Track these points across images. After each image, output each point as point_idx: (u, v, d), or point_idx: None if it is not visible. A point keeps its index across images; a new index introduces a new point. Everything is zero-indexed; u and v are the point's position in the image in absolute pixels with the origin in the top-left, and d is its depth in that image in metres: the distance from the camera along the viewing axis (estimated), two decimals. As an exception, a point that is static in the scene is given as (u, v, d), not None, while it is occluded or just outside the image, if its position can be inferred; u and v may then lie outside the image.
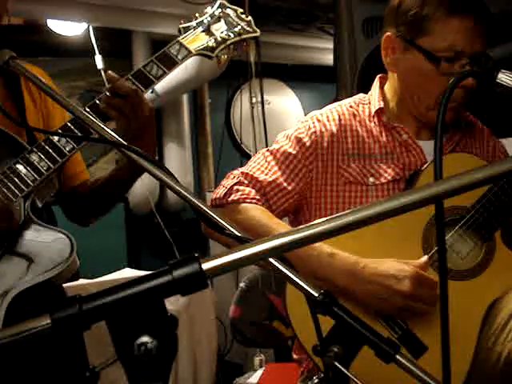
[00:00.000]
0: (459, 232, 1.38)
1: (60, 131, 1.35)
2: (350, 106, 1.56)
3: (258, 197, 1.46)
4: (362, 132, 1.51)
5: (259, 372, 2.76)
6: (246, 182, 1.48)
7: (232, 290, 2.88)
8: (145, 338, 0.56)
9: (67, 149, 1.34)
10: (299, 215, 1.55)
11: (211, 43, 1.49)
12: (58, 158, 1.33)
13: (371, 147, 1.49)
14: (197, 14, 1.53)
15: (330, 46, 3.12)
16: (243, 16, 1.56)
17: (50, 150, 1.33)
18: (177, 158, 3.98)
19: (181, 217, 4.12)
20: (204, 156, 4.32)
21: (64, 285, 1.45)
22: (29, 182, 1.30)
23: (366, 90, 1.62)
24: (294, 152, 1.49)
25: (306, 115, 1.59)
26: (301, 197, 1.51)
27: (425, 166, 1.45)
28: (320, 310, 0.69)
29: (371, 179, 1.46)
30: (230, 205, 1.45)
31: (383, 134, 1.51)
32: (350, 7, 2.50)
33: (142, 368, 0.56)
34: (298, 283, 0.73)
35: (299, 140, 1.50)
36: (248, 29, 1.54)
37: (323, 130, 1.50)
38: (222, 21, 1.53)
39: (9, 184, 1.29)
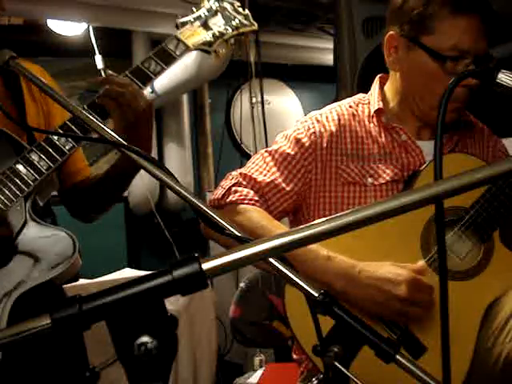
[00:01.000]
0: (458, 232, 1.38)
1: (59, 130, 1.34)
2: (350, 106, 1.55)
3: (256, 198, 1.46)
4: (361, 132, 1.51)
5: (259, 372, 2.76)
6: (244, 182, 1.48)
7: (232, 290, 2.89)
8: (145, 338, 0.56)
9: (67, 148, 1.34)
10: (298, 215, 1.55)
11: (209, 38, 1.48)
12: (58, 157, 1.33)
13: (370, 147, 1.49)
14: (194, 8, 1.52)
15: (330, 45, 3.13)
16: (240, 9, 1.55)
17: (50, 150, 1.32)
18: (177, 158, 3.98)
19: (181, 217, 4.12)
20: (204, 156, 4.32)
21: (64, 285, 1.45)
22: (29, 181, 1.30)
23: (366, 90, 1.62)
24: (292, 153, 1.49)
25: (305, 115, 1.59)
26: (300, 197, 1.50)
27: (423, 166, 1.45)
28: (320, 310, 0.69)
29: (370, 180, 1.46)
30: (228, 206, 1.45)
31: (382, 134, 1.51)
32: (349, 7, 2.50)
33: (142, 368, 0.56)
34: (297, 283, 0.73)
35: (298, 140, 1.49)
36: (246, 22, 1.53)
37: (322, 130, 1.50)
38: (220, 15, 1.51)
39: (9, 184, 1.29)
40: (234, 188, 1.47)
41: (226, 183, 1.49)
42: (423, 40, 1.41)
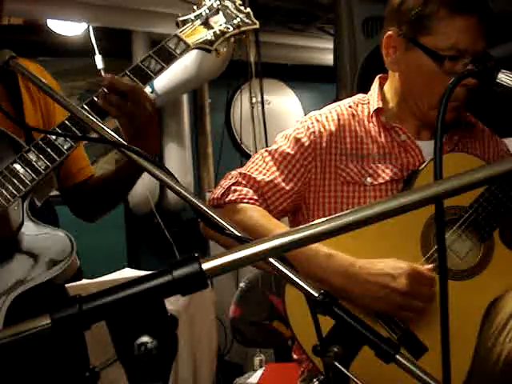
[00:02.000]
0: (458, 232, 1.38)
1: (58, 129, 1.33)
2: (349, 106, 1.56)
3: (255, 197, 1.46)
4: (360, 132, 1.51)
5: (259, 372, 2.76)
6: (243, 182, 1.48)
7: (232, 290, 2.89)
8: (145, 338, 0.56)
9: (65, 147, 1.32)
10: (298, 215, 1.55)
11: (210, 36, 1.46)
12: (56, 157, 1.31)
13: (369, 147, 1.49)
14: (194, 7, 1.51)
15: (330, 45, 3.13)
16: (242, 8, 1.53)
17: (48, 149, 1.31)
18: (177, 158, 3.98)
19: (181, 217, 4.12)
20: (204, 156, 4.32)
21: (66, 285, 1.45)
22: (27, 181, 1.29)
23: (366, 90, 1.62)
24: (292, 152, 1.49)
25: (305, 115, 1.59)
26: (299, 197, 1.51)
27: (423, 165, 1.45)
28: (320, 310, 0.69)
29: (369, 179, 1.46)
30: (228, 205, 1.45)
31: (381, 134, 1.51)
32: (350, 7, 2.50)
33: (142, 368, 0.56)
34: (298, 283, 0.73)
35: (298, 140, 1.49)
36: (247, 21, 1.52)
37: (322, 130, 1.50)
38: (221, 13, 1.50)
39: (6, 184, 1.28)
40: (233, 187, 1.47)
41: (225, 183, 1.49)
42: (421, 40, 1.41)
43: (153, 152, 1.37)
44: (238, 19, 1.50)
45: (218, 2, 1.51)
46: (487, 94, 1.29)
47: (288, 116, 4.57)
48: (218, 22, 1.49)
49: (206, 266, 0.56)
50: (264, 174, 1.48)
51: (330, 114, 1.53)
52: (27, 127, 1.40)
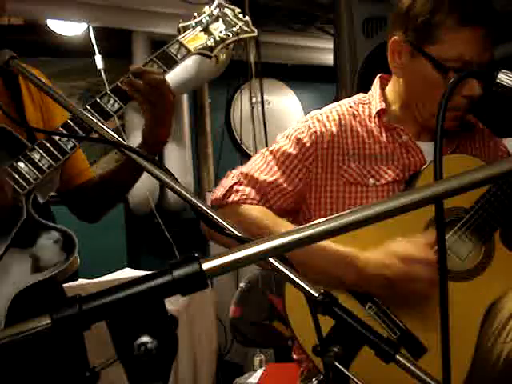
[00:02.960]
0: (458, 233, 1.38)
1: (60, 129, 1.35)
2: (350, 106, 1.55)
3: (258, 197, 1.46)
4: (362, 132, 1.50)
5: (259, 372, 2.76)
6: (245, 182, 1.48)
7: (232, 290, 2.88)
8: (145, 338, 0.56)
9: (68, 146, 1.35)
10: (299, 216, 1.55)
11: (210, 43, 1.50)
12: (60, 156, 1.34)
13: (371, 147, 1.49)
14: (195, 14, 1.54)
15: (330, 45, 3.12)
16: (241, 16, 1.57)
17: (52, 148, 1.33)
18: (177, 158, 3.97)
19: (181, 217, 4.11)
20: (204, 156, 4.32)
21: (64, 285, 1.45)
22: (30, 179, 1.31)
23: (366, 90, 1.62)
24: (294, 152, 1.49)
25: (305, 115, 1.59)
26: (300, 197, 1.50)
27: (424, 166, 1.45)
28: (320, 310, 0.69)
29: (371, 180, 1.46)
30: (231, 206, 1.45)
31: (383, 134, 1.50)
32: (349, 7, 2.50)
33: (142, 368, 0.56)
34: (298, 283, 0.73)
35: (299, 140, 1.49)
36: (246, 28, 1.55)
37: (323, 130, 1.49)
38: (221, 20, 1.54)
39: (11, 182, 1.30)
40: (235, 187, 1.46)
41: (226, 182, 1.49)
42: (427, 49, 1.39)
43: (164, 140, 1.46)
44: (238, 27, 1.54)
45: (218, 10, 1.54)
46: (487, 94, 1.29)
47: (288, 116, 4.57)
48: (218, 28, 1.52)
49: (206, 265, 0.56)
50: (266, 174, 1.48)
51: (331, 114, 1.52)
52: (29, 127, 1.41)
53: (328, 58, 3.86)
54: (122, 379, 0.57)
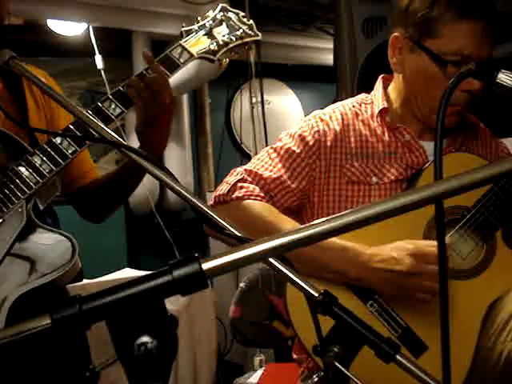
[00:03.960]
0: (460, 232, 1.38)
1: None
2: (353, 106, 1.55)
3: (262, 194, 1.46)
4: (364, 131, 1.51)
5: (259, 372, 2.76)
6: (249, 179, 1.48)
7: (232, 290, 2.88)
8: (145, 338, 0.56)
9: (70, 151, 1.34)
10: (302, 214, 1.55)
11: (213, 46, 1.49)
12: (61, 161, 1.33)
13: (374, 146, 1.49)
14: (199, 18, 1.54)
15: (330, 45, 3.12)
16: (245, 20, 1.57)
17: (53, 153, 1.33)
18: (177, 158, 3.97)
19: (181, 217, 4.11)
20: (204, 156, 4.32)
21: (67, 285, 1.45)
22: (31, 184, 1.30)
23: (366, 89, 1.62)
24: (297, 150, 1.49)
25: (306, 115, 1.59)
26: (303, 196, 1.51)
27: (426, 165, 1.45)
28: (320, 310, 0.69)
29: (374, 179, 1.46)
30: (234, 201, 1.45)
31: (386, 133, 1.51)
32: (349, 7, 2.50)
33: (142, 368, 0.56)
34: (298, 283, 0.73)
35: (303, 138, 1.50)
36: (250, 32, 1.55)
37: (326, 129, 1.50)
38: (224, 24, 1.53)
39: (11, 186, 1.29)
40: (239, 184, 1.47)
41: (231, 179, 1.49)
42: (426, 43, 1.40)
43: (162, 141, 1.45)
44: (241, 30, 1.53)
45: (221, 14, 1.54)
46: (487, 94, 1.29)
47: (288, 116, 4.57)
48: (222, 32, 1.52)
49: (206, 265, 0.56)
50: (270, 171, 1.48)
51: (334, 114, 1.53)
52: (30, 128, 1.41)
53: (328, 58, 3.86)
54: (122, 379, 0.57)
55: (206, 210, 0.84)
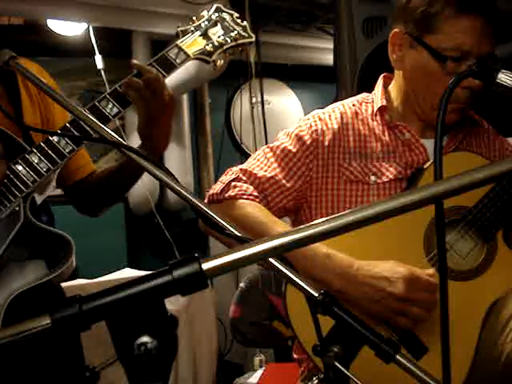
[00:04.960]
0: (461, 232, 1.38)
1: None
2: (353, 105, 1.55)
3: (255, 193, 1.45)
4: (363, 130, 1.50)
5: (259, 372, 2.76)
6: (244, 178, 1.48)
7: (232, 290, 2.88)
8: (145, 338, 0.56)
9: (67, 150, 1.34)
10: (300, 215, 1.54)
11: (209, 48, 1.50)
12: (58, 160, 1.33)
13: (373, 146, 1.49)
14: (194, 18, 1.54)
15: (330, 45, 3.12)
16: (239, 21, 1.57)
17: (50, 152, 1.33)
18: (177, 157, 3.97)
19: (181, 217, 4.11)
20: (204, 156, 4.31)
21: (63, 284, 1.45)
22: (28, 182, 1.30)
23: (365, 89, 1.62)
24: (294, 150, 1.49)
25: (305, 115, 1.59)
26: (300, 195, 1.50)
27: (427, 164, 1.45)
28: (320, 310, 0.69)
29: (373, 178, 1.45)
30: (227, 200, 1.44)
31: (385, 132, 1.50)
32: (350, 7, 2.50)
33: (142, 368, 0.56)
34: (297, 283, 0.73)
35: (300, 138, 1.49)
36: (244, 34, 1.55)
37: (324, 128, 1.49)
38: (219, 25, 1.54)
39: (8, 184, 1.29)
40: (233, 183, 1.46)
41: (225, 178, 1.49)
42: (426, 39, 1.40)
43: (163, 141, 1.45)
44: (236, 32, 1.54)
45: (216, 14, 1.54)
46: (487, 94, 1.29)
47: (288, 116, 4.57)
48: (217, 33, 1.52)
49: (206, 265, 0.56)
50: (265, 171, 1.48)
51: (334, 113, 1.52)
52: (27, 127, 1.40)
53: (328, 58, 3.86)
54: (122, 379, 0.57)
55: (206, 210, 0.84)
